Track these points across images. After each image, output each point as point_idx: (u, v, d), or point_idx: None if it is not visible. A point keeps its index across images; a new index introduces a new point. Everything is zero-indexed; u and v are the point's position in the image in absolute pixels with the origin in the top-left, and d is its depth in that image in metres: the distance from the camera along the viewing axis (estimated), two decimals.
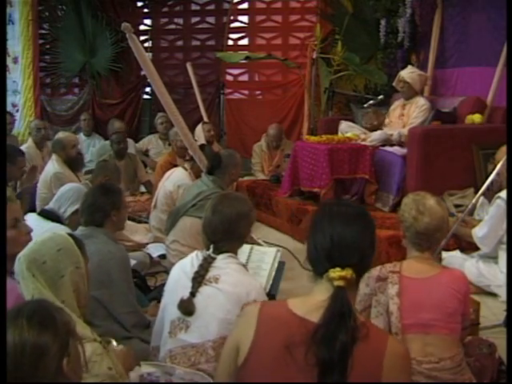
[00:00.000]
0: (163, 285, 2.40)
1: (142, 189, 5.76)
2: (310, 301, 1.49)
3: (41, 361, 1.24)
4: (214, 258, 2.10)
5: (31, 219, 3.00)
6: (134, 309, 2.58)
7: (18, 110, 7.45)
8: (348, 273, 1.42)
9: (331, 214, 1.52)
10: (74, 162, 4.56)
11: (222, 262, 2.09)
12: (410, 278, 2.03)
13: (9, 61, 7.37)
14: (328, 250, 1.46)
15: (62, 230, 2.82)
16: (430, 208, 2.09)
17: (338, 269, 1.43)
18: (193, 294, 2.02)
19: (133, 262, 3.38)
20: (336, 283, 1.42)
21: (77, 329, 1.40)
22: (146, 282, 3.56)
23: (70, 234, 1.87)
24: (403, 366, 1.45)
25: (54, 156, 4.54)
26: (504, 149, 3.50)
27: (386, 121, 5.19)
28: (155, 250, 4.11)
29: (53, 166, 4.45)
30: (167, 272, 3.21)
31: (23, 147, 5.28)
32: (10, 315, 1.30)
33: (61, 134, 5.06)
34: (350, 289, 1.46)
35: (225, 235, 2.14)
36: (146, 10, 8.00)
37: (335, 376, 1.35)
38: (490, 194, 3.54)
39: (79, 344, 1.36)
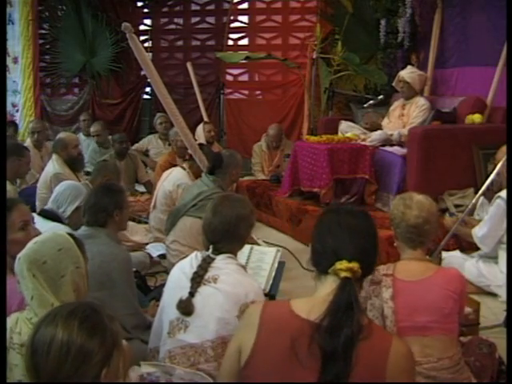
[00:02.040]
0: (163, 285, 2.40)
1: (142, 188, 5.75)
2: (313, 299, 1.50)
3: (82, 365, 1.25)
4: (212, 259, 2.10)
5: None
6: (135, 310, 2.57)
7: (17, 110, 7.45)
8: (355, 265, 1.45)
9: (339, 220, 1.55)
10: (74, 162, 4.55)
11: (221, 263, 2.09)
12: (404, 280, 2.02)
13: (9, 61, 7.37)
14: (335, 247, 1.50)
15: (62, 229, 2.82)
16: (416, 202, 2.12)
17: (344, 261, 1.45)
18: (192, 294, 2.02)
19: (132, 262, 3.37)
20: (343, 274, 1.45)
21: None
22: (146, 282, 3.56)
23: (70, 234, 1.87)
24: (407, 366, 1.45)
25: (54, 156, 4.53)
26: (504, 149, 3.50)
27: (386, 121, 5.19)
28: (155, 250, 4.10)
29: (53, 166, 4.44)
30: (167, 272, 3.21)
31: None
32: (61, 313, 1.29)
33: (62, 134, 5.05)
34: (356, 284, 1.47)
35: (224, 236, 2.14)
36: (146, 10, 8.01)
37: (338, 367, 1.35)
38: (489, 194, 3.54)
39: (122, 357, 1.35)
